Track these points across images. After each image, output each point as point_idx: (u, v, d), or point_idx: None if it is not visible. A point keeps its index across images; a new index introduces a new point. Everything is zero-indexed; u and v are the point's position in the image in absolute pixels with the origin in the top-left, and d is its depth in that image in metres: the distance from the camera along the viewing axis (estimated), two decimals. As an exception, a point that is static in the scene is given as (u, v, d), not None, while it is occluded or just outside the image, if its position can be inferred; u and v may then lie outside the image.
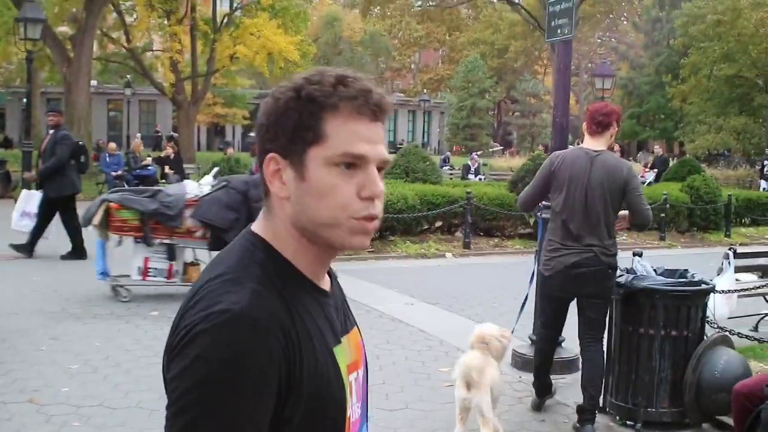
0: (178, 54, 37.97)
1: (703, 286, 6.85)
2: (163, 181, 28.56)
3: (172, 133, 40.43)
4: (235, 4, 40.75)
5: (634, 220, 6.65)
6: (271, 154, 1.75)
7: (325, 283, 1.89)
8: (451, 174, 35.09)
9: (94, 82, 48.36)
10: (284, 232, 1.78)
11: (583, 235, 6.52)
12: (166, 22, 38.42)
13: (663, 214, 20.34)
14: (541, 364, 7.28)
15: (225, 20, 39.42)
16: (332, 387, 1.74)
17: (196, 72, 39.48)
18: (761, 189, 34.81)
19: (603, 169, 6.53)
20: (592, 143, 6.69)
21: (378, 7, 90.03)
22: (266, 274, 1.72)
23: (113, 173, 26.70)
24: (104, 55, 43.17)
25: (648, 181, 31.55)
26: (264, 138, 1.77)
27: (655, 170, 33.69)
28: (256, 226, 1.83)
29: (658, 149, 38.82)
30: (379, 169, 1.76)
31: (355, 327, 2.01)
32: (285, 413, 1.64)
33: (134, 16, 38.90)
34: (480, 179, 32.76)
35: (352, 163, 1.71)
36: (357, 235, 1.75)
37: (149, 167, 28.65)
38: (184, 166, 29.03)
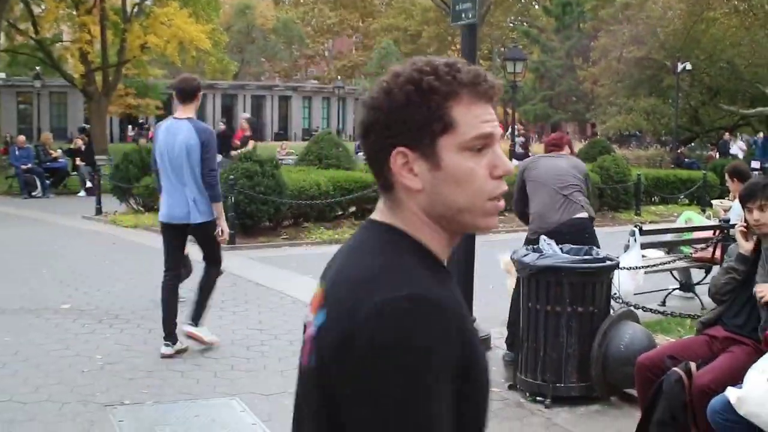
0: (88, 44, 37.34)
1: (607, 263, 6.97)
2: (75, 173, 28.21)
3: (83, 125, 39.76)
4: (144, -7, 40.30)
5: None
6: (398, 149, 1.74)
7: None
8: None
9: (2, 75, 47.56)
10: (417, 221, 1.78)
11: None
12: (74, 12, 37.78)
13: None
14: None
15: (135, 9, 38.97)
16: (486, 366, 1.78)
17: (107, 62, 38.94)
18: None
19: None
20: None
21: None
22: (421, 261, 1.73)
23: (23, 166, 26.22)
24: (12, 47, 42.36)
25: None
26: (384, 134, 1.75)
27: None
28: (382, 218, 1.81)
29: None
30: None
31: None
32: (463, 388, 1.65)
33: (42, 6, 38.22)
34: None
35: (481, 145, 1.74)
36: (490, 217, 1.78)
37: (60, 159, 28.24)
38: (96, 157, 28.61)
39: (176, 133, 8.16)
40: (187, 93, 8.30)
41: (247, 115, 30.17)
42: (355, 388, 1.58)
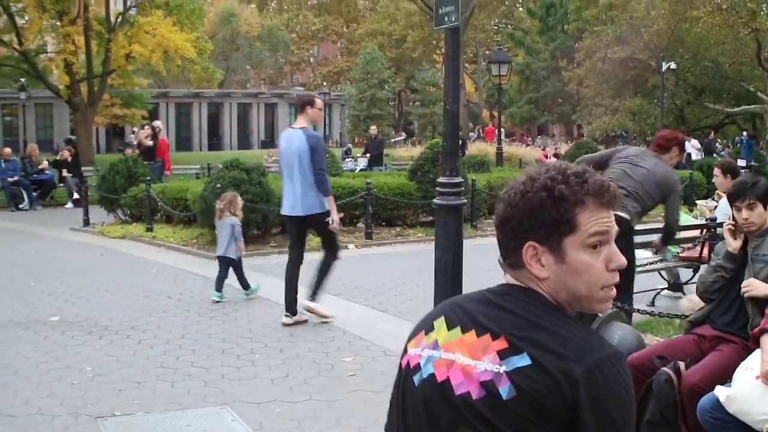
0: (73, 55, 37.17)
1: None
2: (62, 185, 28.12)
3: (69, 136, 39.62)
4: (128, 3, 40.12)
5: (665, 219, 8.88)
6: (529, 243, 2.12)
7: None
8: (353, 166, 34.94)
9: (-15, 87, 47.37)
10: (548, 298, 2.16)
11: None
12: (58, 23, 37.64)
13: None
14: None
15: (119, 19, 38.83)
16: None
17: (92, 73, 38.84)
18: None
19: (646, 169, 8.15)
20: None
21: (274, 2, 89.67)
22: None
23: (9, 179, 26.12)
24: (-5, 59, 42.26)
25: (359, 169, 30.68)
26: (517, 228, 2.13)
27: (368, 155, 31.87)
28: (528, 285, 2.18)
29: (373, 129, 33.97)
30: None
31: None
32: None
33: (26, 17, 38.09)
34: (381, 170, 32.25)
35: (598, 242, 2.10)
36: (603, 303, 2.17)
37: (47, 171, 28.15)
38: (83, 169, 28.53)
39: (292, 140, 9.83)
40: (298, 106, 10.13)
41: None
42: (599, 414, 1.97)
